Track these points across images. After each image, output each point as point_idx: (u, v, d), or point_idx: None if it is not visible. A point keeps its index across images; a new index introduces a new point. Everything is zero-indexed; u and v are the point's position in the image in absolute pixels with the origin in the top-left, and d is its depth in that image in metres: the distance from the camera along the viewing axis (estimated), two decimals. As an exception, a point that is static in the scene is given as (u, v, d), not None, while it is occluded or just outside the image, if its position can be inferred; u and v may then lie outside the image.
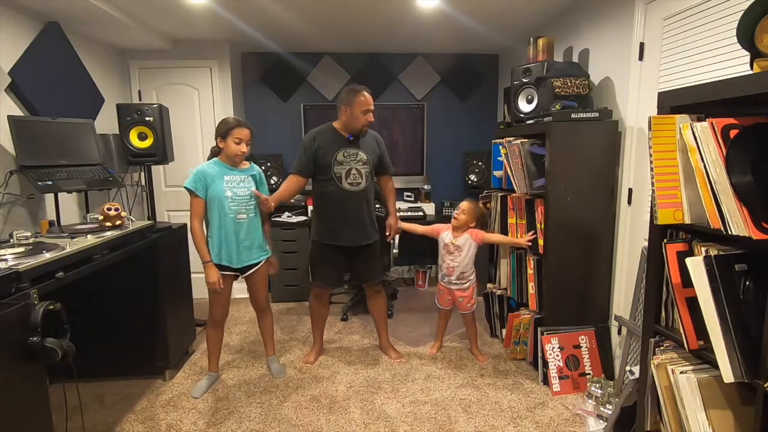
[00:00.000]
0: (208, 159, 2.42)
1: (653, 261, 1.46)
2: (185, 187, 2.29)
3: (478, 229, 2.73)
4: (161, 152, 3.14)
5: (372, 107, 2.52)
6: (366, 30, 3.47)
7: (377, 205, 2.88)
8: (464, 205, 2.70)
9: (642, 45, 2.26)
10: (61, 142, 2.59)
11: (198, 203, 2.29)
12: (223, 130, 2.31)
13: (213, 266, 2.31)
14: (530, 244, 2.57)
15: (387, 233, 2.78)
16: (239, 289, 3.59)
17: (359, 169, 2.55)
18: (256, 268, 2.46)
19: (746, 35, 1.19)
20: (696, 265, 1.17)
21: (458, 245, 2.68)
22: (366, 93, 2.48)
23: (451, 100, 4.40)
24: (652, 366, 1.40)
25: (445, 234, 2.74)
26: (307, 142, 2.56)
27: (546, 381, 2.46)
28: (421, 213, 4.07)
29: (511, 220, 2.75)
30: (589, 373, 2.45)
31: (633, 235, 2.40)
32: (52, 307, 1.48)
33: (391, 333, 3.10)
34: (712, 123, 1.16)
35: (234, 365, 2.77)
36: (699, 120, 1.24)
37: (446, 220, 2.93)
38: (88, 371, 2.38)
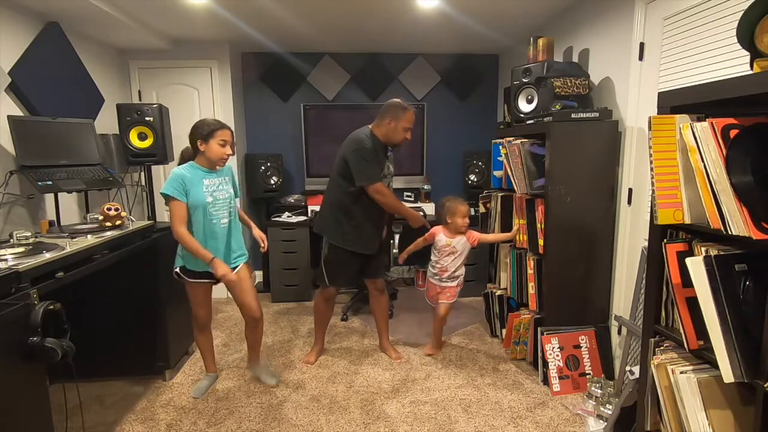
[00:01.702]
0: (179, 164, 2.25)
1: (653, 261, 1.46)
2: (163, 194, 2.13)
3: (473, 231, 2.74)
4: (161, 152, 3.14)
5: (412, 126, 2.56)
6: (366, 30, 3.47)
7: None
8: (465, 210, 2.70)
9: (642, 45, 2.26)
10: (61, 142, 2.59)
11: (181, 207, 2.13)
12: (206, 132, 2.17)
13: (218, 260, 2.18)
14: (516, 232, 2.71)
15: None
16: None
17: (391, 183, 2.66)
18: (236, 270, 2.33)
19: (746, 35, 1.19)
20: (696, 265, 1.17)
21: (455, 246, 2.71)
22: (413, 111, 2.53)
23: (451, 100, 4.40)
24: (652, 366, 1.40)
25: (440, 236, 2.76)
26: (373, 150, 2.47)
27: (546, 381, 2.46)
28: (421, 213, 4.06)
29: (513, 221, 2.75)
30: (589, 373, 2.45)
31: (633, 235, 2.40)
32: (52, 307, 1.48)
33: (392, 333, 3.09)
34: (712, 123, 1.16)
35: (234, 365, 2.77)
36: (699, 120, 1.24)
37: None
38: (88, 371, 2.38)
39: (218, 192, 2.25)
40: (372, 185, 2.46)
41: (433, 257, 2.81)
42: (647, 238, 1.54)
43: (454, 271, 2.74)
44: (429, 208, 4.19)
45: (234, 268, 2.32)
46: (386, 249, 3.45)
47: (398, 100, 2.57)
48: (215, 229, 2.24)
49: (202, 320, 2.41)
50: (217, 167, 2.27)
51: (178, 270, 2.30)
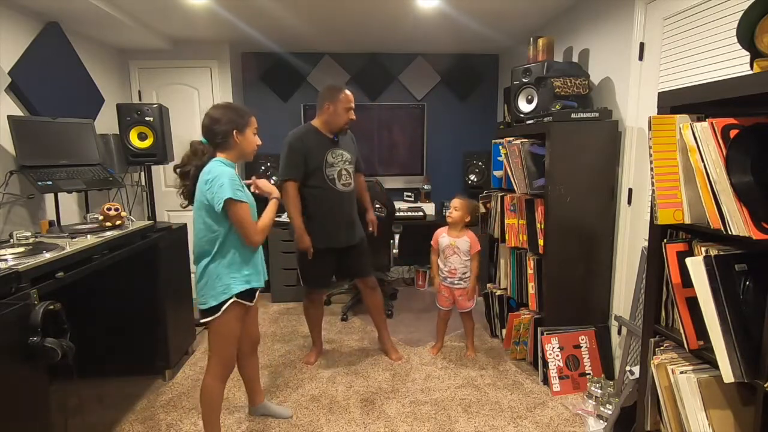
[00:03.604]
0: (191, 159, 1.81)
1: (653, 261, 1.46)
2: (229, 200, 1.67)
3: (476, 238, 2.76)
4: (161, 152, 3.14)
5: (353, 105, 2.53)
6: (366, 30, 3.47)
7: (377, 205, 2.90)
8: (455, 202, 2.75)
9: (642, 45, 2.26)
10: (61, 142, 2.59)
11: (246, 208, 1.74)
12: (245, 120, 1.81)
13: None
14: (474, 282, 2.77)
15: (370, 228, 2.79)
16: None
17: (347, 169, 2.57)
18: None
19: (746, 35, 1.19)
20: (696, 265, 1.17)
21: (458, 246, 2.70)
22: (347, 91, 2.51)
23: (451, 100, 4.40)
24: (652, 366, 1.40)
25: (442, 238, 2.76)
26: (295, 145, 2.46)
27: (546, 381, 2.46)
28: (421, 213, 4.06)
29: (511, 221, 2.75)
30: (589, 373, 2.45)
31: (633, 235, 2.40)
32: (52, 307, 1.48)
33: (391, 333, 3.09)
34: (712, 123, 1.16)
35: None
36: (699, 120, 1.24)
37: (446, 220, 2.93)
38: (88, 371, 2.38)
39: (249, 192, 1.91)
40: (282, 181, 2.47)
41: (440, 262, 2.81)
42: (647, 238, 1.54)
43: (465, 272, 2.74)
44: (429, 208, 4.20)
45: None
46: (381, 248, 3.46)
47: (330, 84, 2.55)
48: None
49: (232, 362, 1.89)
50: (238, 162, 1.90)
51: (235, 297, 1.77)
